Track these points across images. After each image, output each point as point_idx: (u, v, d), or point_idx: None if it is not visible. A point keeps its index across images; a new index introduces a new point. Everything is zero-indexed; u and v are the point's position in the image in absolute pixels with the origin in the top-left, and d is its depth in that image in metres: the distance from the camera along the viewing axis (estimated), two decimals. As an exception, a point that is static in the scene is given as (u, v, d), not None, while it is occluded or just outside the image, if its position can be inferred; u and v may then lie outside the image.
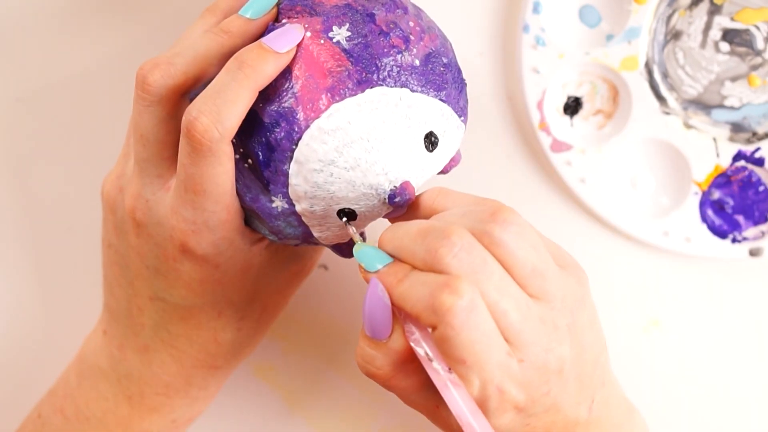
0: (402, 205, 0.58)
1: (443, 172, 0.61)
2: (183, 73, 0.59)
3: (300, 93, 0.57)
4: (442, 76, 0.59)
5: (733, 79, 0.72)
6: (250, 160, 0.58)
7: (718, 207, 0.72)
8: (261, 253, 0.63)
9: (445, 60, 0.60)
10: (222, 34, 0.59)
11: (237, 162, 0.59)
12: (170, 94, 0.59)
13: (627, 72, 0.71)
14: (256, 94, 0.57)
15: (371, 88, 0.57)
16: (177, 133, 0.60)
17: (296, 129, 0.57)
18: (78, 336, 0.70)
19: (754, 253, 0.72)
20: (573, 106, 0.73)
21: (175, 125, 0.60)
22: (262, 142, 0.57)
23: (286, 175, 0.58)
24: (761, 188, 0.72)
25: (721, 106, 0.72)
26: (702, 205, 0.72)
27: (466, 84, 0.61)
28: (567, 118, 0.73)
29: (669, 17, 0.72)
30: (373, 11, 0.59)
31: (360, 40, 0.58)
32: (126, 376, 0.65)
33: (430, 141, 0.59)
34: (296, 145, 0.57)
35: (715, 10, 0.71)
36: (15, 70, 0.74)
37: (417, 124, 0.58)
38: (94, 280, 0.73)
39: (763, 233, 0.72)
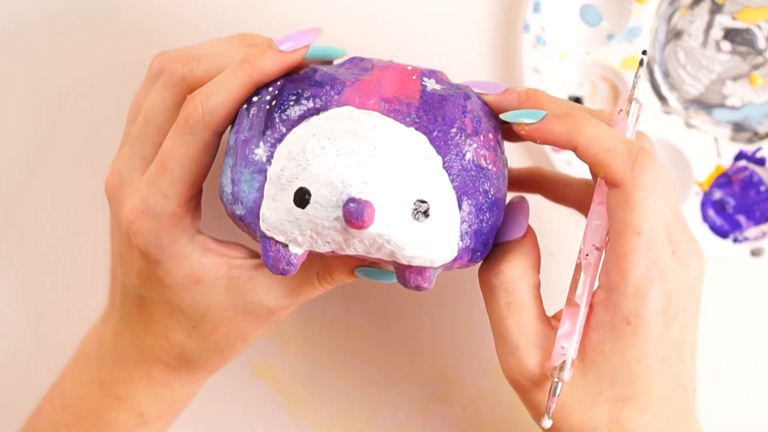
0: (349, 219, 0.54)
1: (398, 272, 0.58)
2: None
3: (362, 80, 0.57)
4: (475, 186, 0.57)
5: (735, 79, 0.71)
6: (274, 102, 0.57)
7: (720, 207, 0.72)
8: (215, 271, 0.61)
9: (488, 187, 0.58)
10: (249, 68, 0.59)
11: (261, 102, 0.58)
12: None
13: (628, 72, 0.71)
14: (250, 87, 0.58)
15: (417, 130, 0.56)
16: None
17: (333, 99, 0.57)
18: (78, 336, 0.70)
19: (755, 253, 0.72)
20: (574, 106, 0.72)
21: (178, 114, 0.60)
22: (299, 92, 0.57)
23: (290, 129, 0.57)
24: (762, 188, 0.72)
25: (722, 105, 0.72)
26: (703, 205, 0.72)
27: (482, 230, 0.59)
28: (568, 117, 0.72)
29: (670, 16, 0.71)
30: (470, 96, 0.58)
31: (441, 98, 0.58)
32: (102, 360, 0.65)
33: (420, 208, 0.56)
34: (320, 112, 0.57)
35: (716, 9, 0.71)
36: (15, 71, 0.75)
37: (424, 185, 0.56)
38: (94, 280, 0.73)
39: (764, 233, 0.72)
